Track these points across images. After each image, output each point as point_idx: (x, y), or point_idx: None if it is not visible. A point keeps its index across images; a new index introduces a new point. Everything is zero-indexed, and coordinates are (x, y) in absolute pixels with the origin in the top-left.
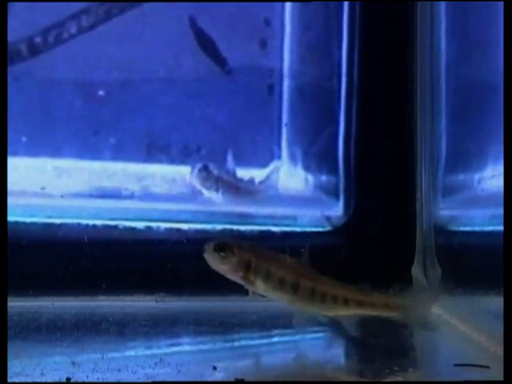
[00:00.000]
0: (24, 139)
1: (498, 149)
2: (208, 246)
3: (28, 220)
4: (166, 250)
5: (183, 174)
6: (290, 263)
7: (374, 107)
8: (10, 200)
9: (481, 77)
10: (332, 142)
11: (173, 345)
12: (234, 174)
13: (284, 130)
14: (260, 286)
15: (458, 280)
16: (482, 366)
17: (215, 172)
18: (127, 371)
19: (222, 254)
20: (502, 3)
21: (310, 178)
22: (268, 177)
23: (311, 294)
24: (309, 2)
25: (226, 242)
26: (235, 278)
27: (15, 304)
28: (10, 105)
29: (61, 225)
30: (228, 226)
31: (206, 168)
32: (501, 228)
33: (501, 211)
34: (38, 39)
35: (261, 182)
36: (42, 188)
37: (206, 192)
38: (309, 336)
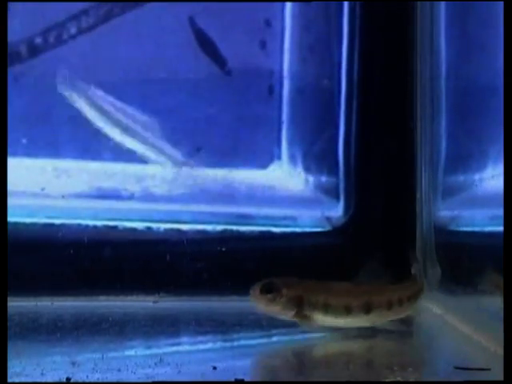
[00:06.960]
0: (23, 140)
1: (498, 149)
2: (254, 289)
3: (28, 220)
4: (166, 251)
5: (183, 174)
6: (343, 287)
7: (374, 107)
8: (10, 201)
9: (481, 77)
10: (332, 143)
11: (173, 345)
12: None
13: (284, 131)
14: (319, 319)
15: (458, 280)
16: (483, 370)
17: None
18: (127, 371)
19: (270, 295)
20: (501, 3)
21: (310, 178)
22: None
23: (388, 306)
24: (309, 2)
25: (272, 283)
26: (287, 316)
27: (15, 304)
28: (9, 105)
29: (61, 225)
30: (228, 227)
31: None
32: (501, 228)
33: (501, 212)
34: (38, 39)
35: None
36: (42, 189)
37: None
38: (308, 336)
